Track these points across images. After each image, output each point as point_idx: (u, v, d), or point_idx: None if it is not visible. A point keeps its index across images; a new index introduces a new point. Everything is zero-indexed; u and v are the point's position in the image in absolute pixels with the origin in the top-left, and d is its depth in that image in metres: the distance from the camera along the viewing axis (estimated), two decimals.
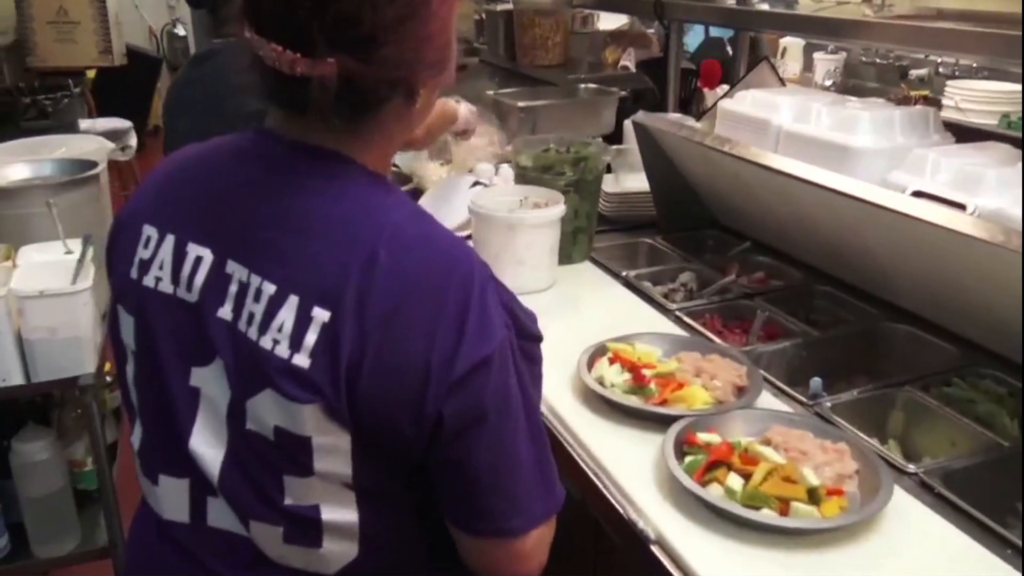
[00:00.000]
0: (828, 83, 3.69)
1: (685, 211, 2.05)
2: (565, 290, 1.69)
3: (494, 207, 1.67)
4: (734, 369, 1.31)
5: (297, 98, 0.78)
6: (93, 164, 1.90)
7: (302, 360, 0.76)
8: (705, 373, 1.30)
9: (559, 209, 1.64)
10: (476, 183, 2.08)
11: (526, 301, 1.66)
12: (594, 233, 1.87)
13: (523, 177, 1.79)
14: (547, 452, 0.86)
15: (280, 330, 0.77)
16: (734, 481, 1.02)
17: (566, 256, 1.80)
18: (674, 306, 1.65)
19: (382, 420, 0.78)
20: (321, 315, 0.76)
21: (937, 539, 1.00)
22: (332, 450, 0.78)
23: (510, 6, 2.93)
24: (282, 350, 0.77)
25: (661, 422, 1.18)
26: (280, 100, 0.84)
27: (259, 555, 0.85)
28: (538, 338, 0.92)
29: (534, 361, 0.90)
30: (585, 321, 1.55)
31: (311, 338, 0.76)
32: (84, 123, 5.06)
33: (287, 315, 0.77)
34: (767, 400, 1.29)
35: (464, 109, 2.08)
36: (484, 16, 3.27)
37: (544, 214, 1.62)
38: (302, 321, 0.77)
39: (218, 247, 0.84)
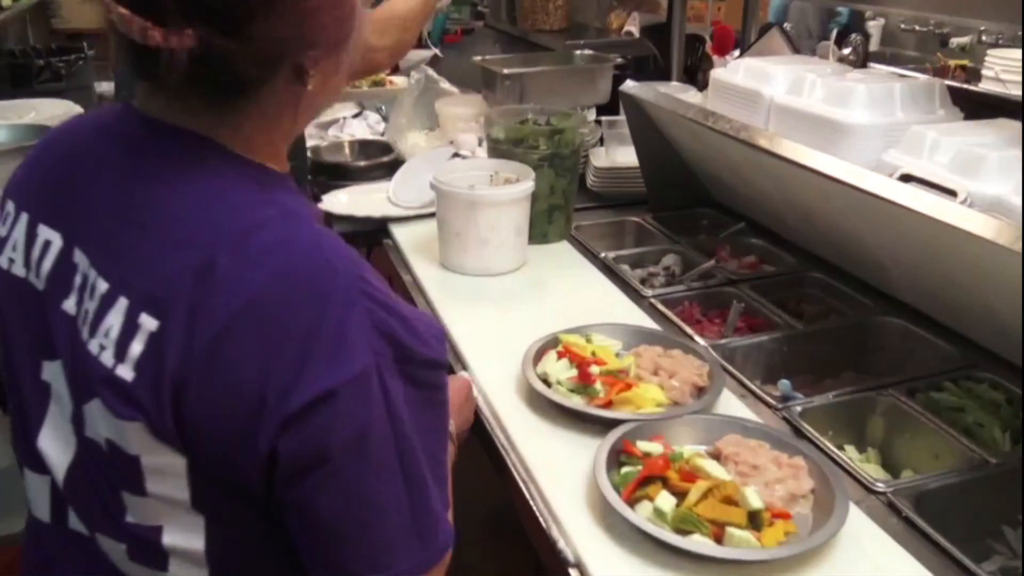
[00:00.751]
0: (847, 51, 3.48)
1: (677, 188, 1.92)
2: (533, 273, 1.58)
3: (458, 183, 1.56)
4: (695, 367, 1.19)
5: (154, 72, 0.68)
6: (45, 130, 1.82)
7: (126, 372, 0.67)
8: (663, 371, 1.19)
9: (526, 186, 1.52)
10: (455, 155, 1.97)
11: (490, 283, 1.61)
12: (573, 211, 1.75)
13: (496, 150, 1.68)
14: (426, 497, 0.73)
15: (107, 335, 0.68)
16: (665, 500, 0.91)
17: (540, 235, 1.68)
18: (650, 292, 1.53)
19: (213, 449, 0.68)
20: (148, 323, 0.67)
21: (892, 574, 0.89)
22: (165, 472, 0.69)
23: None
24: (107, 358, 0.68)
25: (604, 426, 1.07)
26: (139, 72, 0.73)
27: (113, 568, 0.77)
28: (436, 364, 0.76)
29: (431, 388, 0.76)
30: (546, 309, 1.44)
31: (136, 348, 0.67)
32: (101, 85, 5.03)
33: (115, 319, 0.68)
34: (729, 403, 1.17)
35: None
36: None
37: (508, 191, 1.51)
38: (129, 328, 0.67)
39: (68, 232, 0.76)
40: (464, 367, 1.28)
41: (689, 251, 1.70)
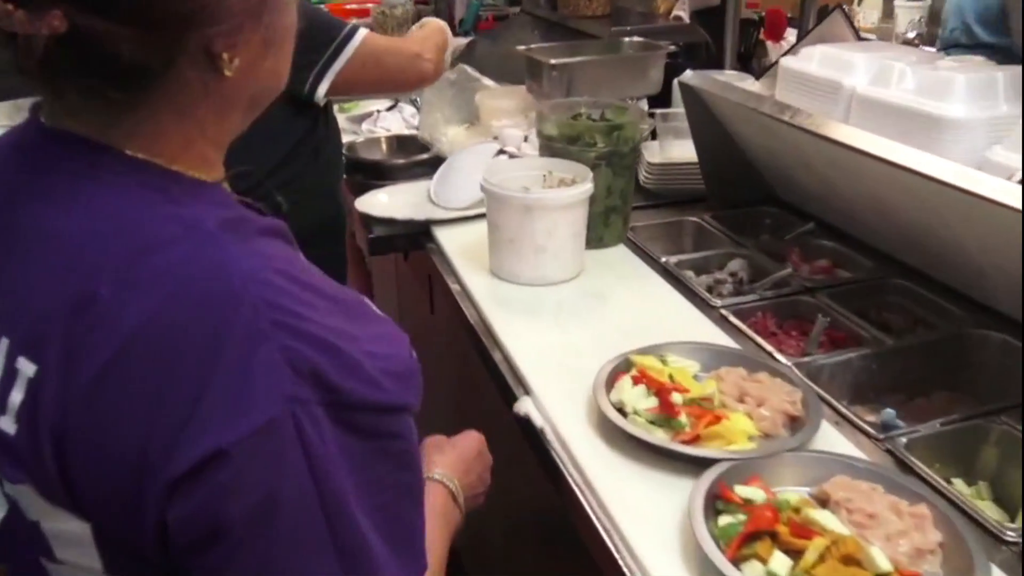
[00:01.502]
0: (912, 35, 3.31)
1: (739, 185, 1.79)
2: (591, 282, 1.46)
3: (509, 184, 1.44)
4: (786, 394, 1.07)
5: (28, 65, 0.58)
6: None
7: (7, 425, 0.59)
8: (750, 398, 1.07)
9: (585, 188, 1.40)
10: (501, 152, 1.85)
11: (547, 294, 1.47)
12: (630, 212, 1.63)
13: (548, 148, 1.56)
14: (369, 559, 0.61)
15: None
16: (780, 563, 0.79)
17: (596, 239, 1.56)
18: (719, 302, 1.41)
19: (109, 514, 0.58)
20: (26, 368, 0.58)
21: None
22: (69, 539, 0.61)
23: None
24: None
25: (693, 464, 0.96)
26: (18, 68, 0.61)
27: None
28: (385, 409, 0.63)
29: (384, 437, 0.63)
30: (610, 322, 1.32)
31: (16, 397, 0.58)
32: None
33: None
34: (826, 434, 1.05)
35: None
36: None
37: (566, 194, 1.39)
38: (9, 373, 0.59)
39: None
40: (526, 390, 1.17)
41: (756, 255, 1.57)
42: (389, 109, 2.37)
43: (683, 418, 1.01)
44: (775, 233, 1.72)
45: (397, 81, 1.71)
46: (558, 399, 1.12)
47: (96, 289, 0.57)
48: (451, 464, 0.91)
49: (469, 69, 2.10)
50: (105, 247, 0.59)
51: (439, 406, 2.30)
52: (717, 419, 1.00)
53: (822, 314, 1.34)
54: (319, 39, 1.52)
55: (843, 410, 1.12)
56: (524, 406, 1.13)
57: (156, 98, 0.62)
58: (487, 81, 2.11)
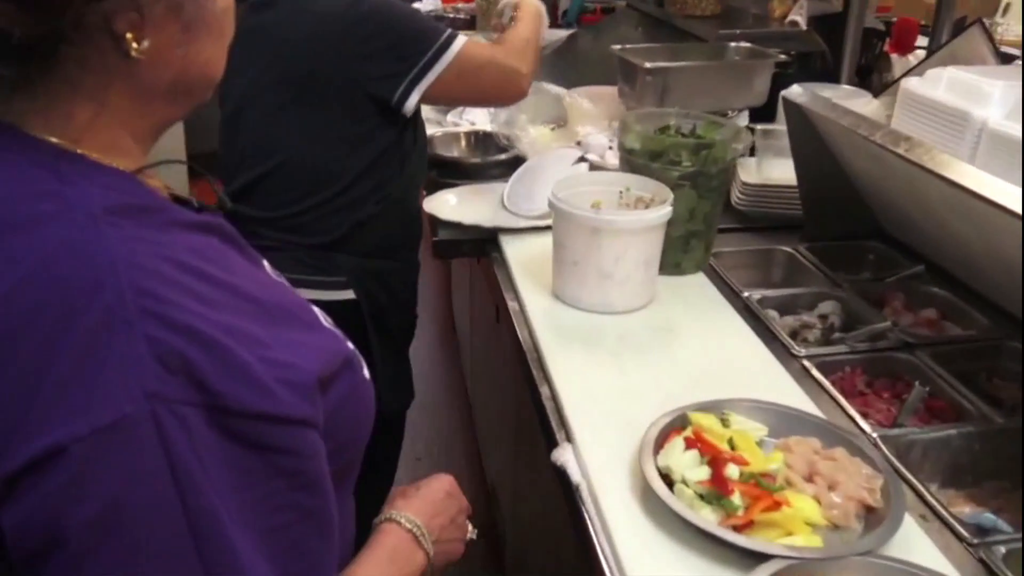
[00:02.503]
0: None
1: (842, 214, 1.61)
2: (661, 313, 1.33)
3: (580, 199, 1.32)
4: (865, 478, 0.92)
5: None
6: None
7: None
8: (821, 478, 0.92)
9: (662, 212, 1.27)
10: (581, 159, 1.73)
11: (609, 323, 1.31)
12: (714, 238, 1.48)
13: (628, 163, 1.43)
14: None
15: None
16: None
17: (673, 265, 1.43)
18: (802, 351, 1.26)
19: None
20: None
21: None
22: None
23: None
24: None
25: (743, 556, 0.83)
26: None
27: None
28: (276, 419, 0.57)
29: (276, 452, 0.57)
30: (675, 364, 1.19)
31: None
32: None
33: None
34: (908, 530, 0.90)
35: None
36: None
37: (640, 217, 1.26)
38: None
39: None
40: (568, 436, 1.06)
41: (852, 297, 1.40)
42: None
43: (736, 498, 0.87)
44: (877, 273, 1.55)
45: (491, 97, 1.63)
46: (602, 452, 1.01)
47: None
48: (415, 508, 0.83)
49: (545, 85, 1.96)
50: None
51: (497, 416, 2.21)
52: (777, 505, 0.86)
53: (921, 379, 1.18)
54: (413, 48, 1.42)
55: (932, 501, 0.96)
56: (563, 455, 1.02)
57: (54, 77, 0.58)
58: (557, 90, 1.97)
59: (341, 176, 1.45)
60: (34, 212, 0.56)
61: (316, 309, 0.70)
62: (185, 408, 0.53)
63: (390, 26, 1.40)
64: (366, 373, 0.72)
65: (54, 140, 0.59)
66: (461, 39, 1.46)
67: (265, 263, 0.75)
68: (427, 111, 2.26)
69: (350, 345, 0.70)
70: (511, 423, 1.79)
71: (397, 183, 1.52)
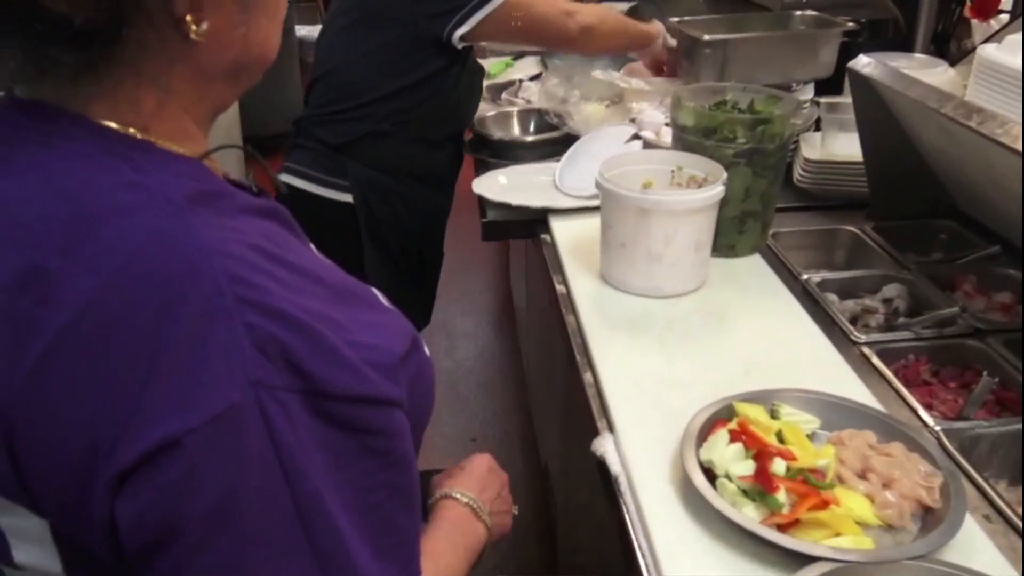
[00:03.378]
0: None
1: (912, 191, 1.53)
2: (713, 297, 1.28)
3: (629, 179, 1.28)
4: (923, 476, 0.86)
5: None
6: None
7: None
8: (875, 475, 0.87)
9: (713, 192, 1.21)
10: (635, 136, 1.68)
11: (658, 308, 1.28)
12: (772, 218, 1.42)
13: (681, 140, 1.37)
14: (350, 564, 0.55)
15: None
16: None
17: (727, 247, 1.37)
18: (863, 337, 1.19)
19: (61, 509, 0.54)
20: None
21: None
22: (28, 537, 0.57)
23: None
24: None
25: (787, 557, 0.79)
26: None
27: None
28: (369, 400, 0.57)
29: (367, 433, 0.57)
30: (724, 351, 1.14)
31: None
32: (300, 30, 5.09)
33: None
34: (969, 532, 0.84)
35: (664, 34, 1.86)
36: None
37: (690, 197, 1.21)
38: None
39: None
40: (610, 426, 1.02)
41: (920, 280, 1.33)
42: (533, 79, 2.23)
43: (781, 495, 0.83)
44: (949, 253, 1.46)
45: (540, 34, 1.74)
46: (643, 444, 0.97)
47: (45, 263, 0.52)
48: (465, 484, 0.86)
49: (600, 73, 1.93)
50: (58, 217, 0.54)
51: (550, 397, 2.18)
52: (825, 503, 0.82)
53: (992, 369, 1.11)
54: None
55: (998, 501, 0.90)
56: (603, 446, 0.99)
57: (117, 63, 0.57)
58: (611, 76, 1.92)
59: (373, 89, 1.65)
60: (119, 202, 0.55)
61: (374, 289, 0.70)
62: (285, 394, 0.53)
63: None
64: (427, 351, 0.72)
65: (124, 128, 0.59)
66: None
67: (312, 246, 0.74)
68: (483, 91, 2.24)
69: (408, 322, 0.70)
70: (561, 406, 1.76)
71: (421, 113, 1.68)
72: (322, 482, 0.54)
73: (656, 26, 1.89)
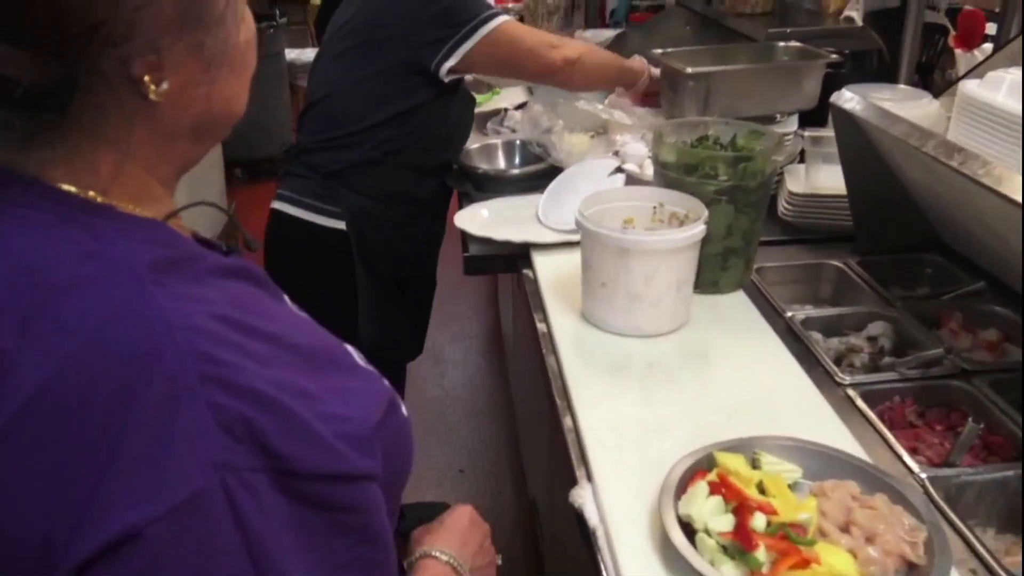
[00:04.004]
0: None
1: (896, 225, 1.52)
2: (695, 336, 1.26)
3: (610, 216, 1.27)
4: (907, 531, 0.84)
5: None
6: None
7: None
8: (858, 528, 0.85)
9: (693, 231, 1.20)
10: (618, 170, 1.67)
11: (639, 348, 1.25)
12: (755, 255, 1.40)
13: (663, 177, 1.36)
14: None
15: None
16: None
17: (710, 284, 1.36)
18: (847, 378, 1.18)
19: None
20: None
21: None
22: None
23: None
24: None
25: None
26: None
27: None
28: (342, 478, 0.55)
29: (339, 510, 0.55)
30: (706, 394, 1.12)
31: None
32: (290, 53, 5.10)
33: None
34: None
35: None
36: None
37: (670, 237, 1.19)
38: None
39: None
40: (588, 474, 1.00)
41: (905, 317, 1.31)
42: (518, 107, 2.22)
43: (761, 553, 0.81)
44: (936, 288, 1.45)
45: (525, 66, 1.75)
46: (622, 495, 0.95)
47: (1, 343, 0.50)
48: (445, 540, 0.83)
49: (583, 104, 1.92)
50: (15, 293, 0.51)
51: (536, 429, 2.15)
52: (806, 562, 0.79)
53: (979, 410, 1.09)
54: (460, 17, 1.61)
55: (984, 554, 0.88)
56: (580, 496, 0.96)
57: (71, 125, 0.55)
58: (594, 107, 1.92)
59: (364, 119, 1.67)
60: (77, 275, 0.52)
61: (348, 347, 0.67)
62: (253, 475, 0.51)
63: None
64: (404, 410, 0.70)
65: (83, 192, 0.56)
66: (504, 15, 1.66)
67: (286, 298, 0.72)
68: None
69: (386, 383, 0.68)
70: (546, 443, 1.74)
71: (411, 142, 1.70)
72: (292, 564, 0.52)
73: (640, 63, 1.90)
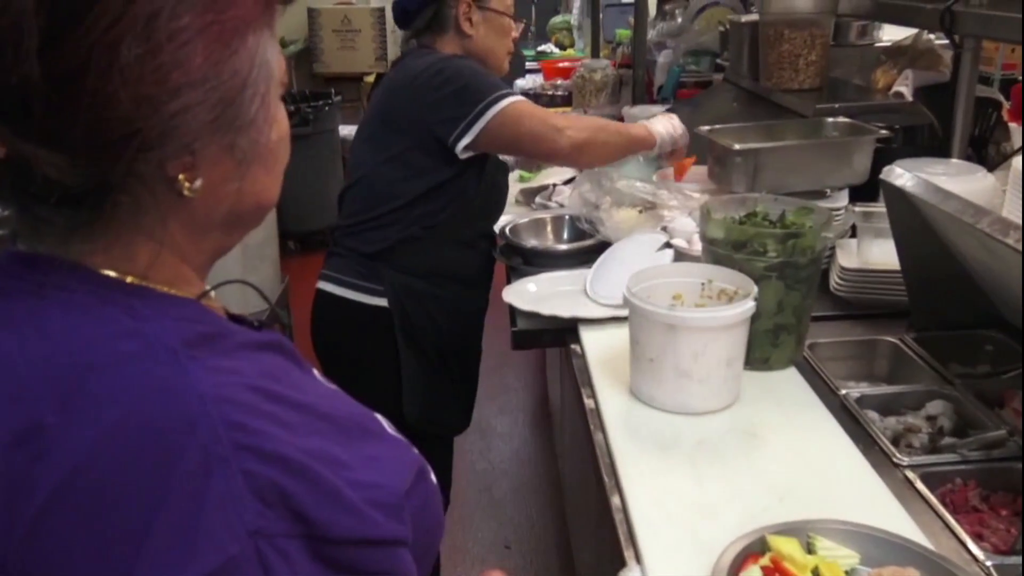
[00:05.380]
0: None
1: (953, 300, 1.48)
2: (745, 414, 1.24)
3: (658, 292, 1.27)
4: None
5: None
6: None
7: None
8: None
9: (743, 308, 1.19)
10: (667, 245, 1.68)
11: (688, 426, 1.24)
12: (807, 331, 1.39)
13: (711, 253, 1.36)
14: None
15: None
16: None
17: (761, 360, 1.34)
18: (906, 460, 1.14)
19: None
20: None
21: None
22: None
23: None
24: None
25: None
26: None
27: None
28: (372, 543, 0.56)
29: (375, 574, 0.57)
30: (758, 474, 1.10)
31: None
32: (343, 129, 5.28)
33: None
34: None
35: (663, 127, 1.81)
36: (728, 27, 2.79)
37: (719, 314, 1.19)
38: None
39: None
40: (637, 556, 0.98)
41: (965, 396, 1.27)
42: (567, 183, 2.26)
43: None
44: (996, 366, 1.41)
45: (529, 148, 1.82)
46: None
47: (42, 418, 0.52)
48: None
49: (627, 184, 1.94)
50: (54, 370, 0.54)
51: (584, 506, 2.11)
52: None
53: None
54: (472, 98, 1.68)
55: None
56: None
57: (109, 220, 0.58)
58: (641, 186, 1.93)
59: (398, 197, 1.73)
60: (115, 352, 0.55)
61: (378, 416, 0.69)
62: (285, 541, 0.52)
63: (458, 81, 1.68)
64: (433, 479, 0.70)
65: (121, 276, 0.59)
66: (515, 97, 1.72)
67: (315, 371, 0.74)
68: (517, 193, 2.27)
69: (416, 451, 0.69)
70: (594, 517, 1.71)
71: (447, 216, 1.75)
72: None
73: (642, 128, 1.90)
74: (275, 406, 0.56)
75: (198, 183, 0.58)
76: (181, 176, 0.57)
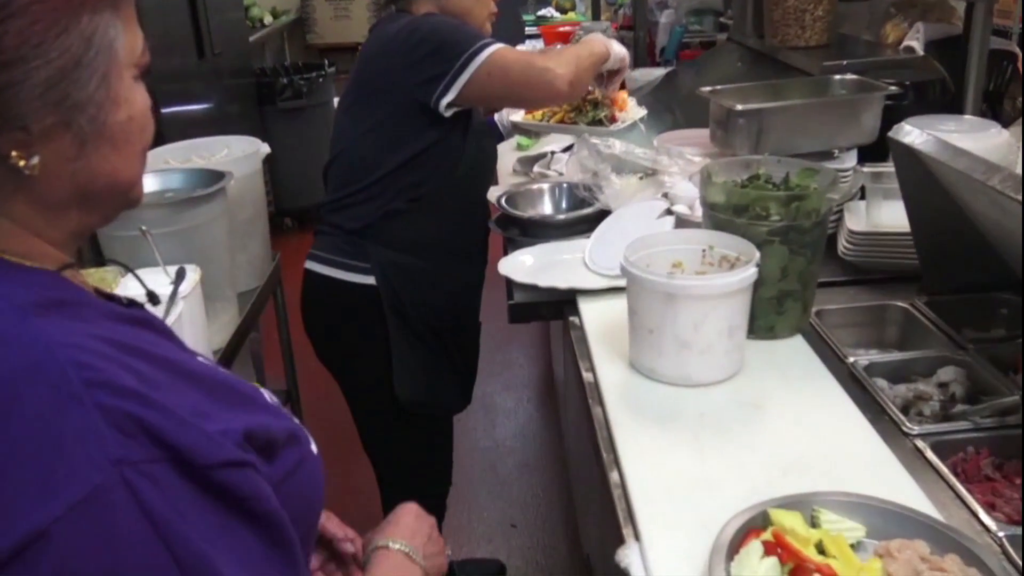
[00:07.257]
0: None
1: (966, 262, 1.43)
2: (749, 385, 1.20)
3: (658, 260, 1.22)
4: None
5: None
6: (220, 176, 1.72)
7: None
8: None
9: (744, 275, 1.15)
10: (667, 212, 1.63)
11: (689, 398, 1.19)
12: (813, 297, 1.34)
13: (712, 218, 1.31)
14: None
15: None
16: None
17: (765, 329, 1.29)
18: (915, 428, 1.10)
19: None
20: None
21: None
22: None
23: None
24: None
25: None
26: None
27: None
28: (238, 463, 0.59)
29: (244, 498, 0.59)
30: (761, 447, 1.06)
31: None
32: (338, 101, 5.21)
33: None
34: None
35: (614, 43, 1.81)
36: None
37: (719, 282, 1.14)
38: None
39: None
40: (636, 533, 0.95)
41: (978, 361, 1.23)
42: (565, 150, 2.20)
43: None
44: (1010, 329, 1.36)
45: (523, 95, 1.73)
46: (671, 554, 0.89)
47: None
48: (393, 533, 0.90)
49: (634, 150, 1.86)
50: None
51: (588, 483, 2.08)
52: None
53: None
54: (451, 52, 1.59)
55: None
56: (627, 557, 0.91)
57: None
58: (642, 152, 1.87)
59: (379, 167, 1.65)
60: None
61: (263, 390, 0.72)
62: (151, 465, 0.55)
63: (433, 37, 1.60)
64: (314, 448, 0.73)
65: None
66: (496, 45, 1.61)
67: (199, 355, 0.73)
68: (515, 163, 2.22)
69: (295, 420, 0.73)
70: (597, 497, 1.67)
71: (431, 187, 1.67)
72: (207, 547, 0.55)
73: (601, 42, 1.79)
74: (132, 359, 0.57)
75: (35, 160, 0.58)
76: (15, 153, 0.57)
